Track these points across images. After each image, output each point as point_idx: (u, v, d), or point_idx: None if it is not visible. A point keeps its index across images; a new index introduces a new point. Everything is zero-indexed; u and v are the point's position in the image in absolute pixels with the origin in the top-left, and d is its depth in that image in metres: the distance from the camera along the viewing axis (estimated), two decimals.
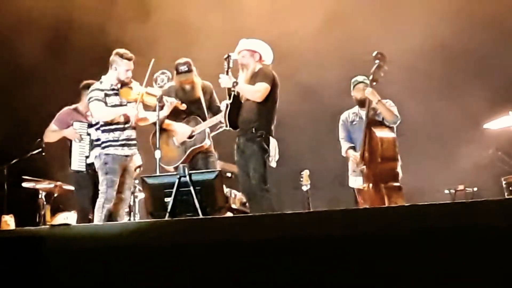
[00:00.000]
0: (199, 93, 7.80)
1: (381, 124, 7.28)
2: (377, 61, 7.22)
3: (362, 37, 9.53)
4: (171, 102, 7.41)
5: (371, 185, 7.16)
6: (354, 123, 7.64)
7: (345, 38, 9.59)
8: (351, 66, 8.89)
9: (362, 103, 7.46)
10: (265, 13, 9.67)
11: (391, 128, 7.31)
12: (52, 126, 8.30)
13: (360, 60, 8.51)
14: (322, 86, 9.72)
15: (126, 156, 7.30)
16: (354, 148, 7.59)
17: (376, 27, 9.51)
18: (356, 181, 7.49)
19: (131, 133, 7.35)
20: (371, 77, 7.25)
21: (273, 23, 9.45)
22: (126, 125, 7.33)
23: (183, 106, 7.56)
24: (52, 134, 8.34)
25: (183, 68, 7.72)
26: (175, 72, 7.72)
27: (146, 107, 7.49)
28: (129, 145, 7.31)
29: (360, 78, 7.59)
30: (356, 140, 7.54)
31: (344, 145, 7.71)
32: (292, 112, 9.45)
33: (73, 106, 8.31)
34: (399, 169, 7.27)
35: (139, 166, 8.37)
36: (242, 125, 7.19)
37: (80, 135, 8.08)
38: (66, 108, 8.31)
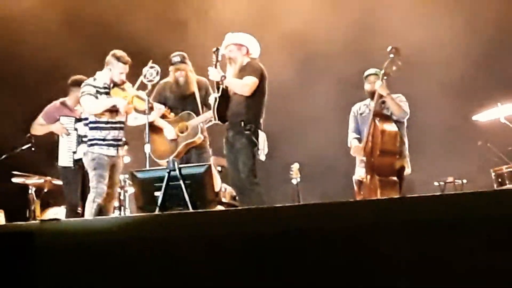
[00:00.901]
0: (193, 88, 7.80)
1: (387, 117, 7.28)
2: (391, 55, 7.20)
3: (367, 29, 9.57)
4: (159, 109, 7.42)
5: (368, 176, 7.18)
6: (363, 114, 7.62)
7: (355, 29, 9.62)
8: (353, 59, 8.93)
9: (373, 95, 7.44)
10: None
11: (401, 123, 7.32)
12: (40, 119, 8.32)
13: (366, 53, 8.55)
14: (317, 78, 9.73)
15: (113, 156, 7.31)
16: (359, 139, 7.58)
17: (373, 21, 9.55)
18: (358, 172, 7.49)
19: (118, 133, 7.37)
20: (383, 71, 7.24)
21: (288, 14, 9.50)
22: (114, 125, 7.34)
23: (172, 115, 7.58)
24: (39, 127, 8.37)
25: (176, 58, 7.76)
26: (169, 66, 7.74)
27: (135, 111, 7.50)
28: (114, 146, 7.32)
29: (372, 70, 7.58)
30: (363, 132, 7.54)
31: (350, 135, 7.71)
32: (282, 104, 9.46)
33: (61, 100, 8.30)
34: (406, 164, 7.29)
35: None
36: (230, 118, 7.20)
37: (67, 130, 8.08)
38: (54, 103, 8.32)
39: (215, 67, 7.18)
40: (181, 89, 7.78)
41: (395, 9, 9.57)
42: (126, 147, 7.86)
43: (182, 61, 7.76)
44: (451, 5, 9.47)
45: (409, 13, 9.54)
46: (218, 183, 8.38)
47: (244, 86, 7.15)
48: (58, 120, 8.16)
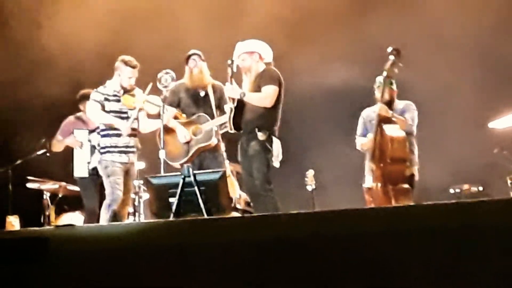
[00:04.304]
0: (207, 82, 7.77)
1: (394, 123, 7.18)
2: (391, 57, 7.10)
3: (372, 33, 9.53)
4: (171, 111, 7.44)
5: (379, 184, 7.10)
6: (372, 121, 7.54)
7: (354, 33, 9.59)
8: (361, 63, 8.88)
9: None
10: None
11: (409, 132, 7.26)
12: (57, 136, 8.50)
13: (369, 57, 8.51)
14: (329, 84, 9.70)
15: (125, 163, 7.33)
16: None
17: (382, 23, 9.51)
18: (368, 180, 7.42)
19: (129, 140, 7.39)
20: (385, 74, 7.13)
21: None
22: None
23: (183, 117, 7.60)
24: (57, 144, 8.57)
25: (194, 55, 7.74)
26: (185, 62, 7.76)
27: (146, 115, 7.53)
28: (126, 152, 7.35)
29: (381, 79, 7.53)
30: None
31: (358, 140, 7.63)
32: (297, 111, 9.45)
33: (77, 114, 8.42)
34: (416, 172, 7.24)
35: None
36: (245, 125, 7.19)
37: (81, 142, 8.13)
38: (69, 118, 8.48)
39: (230, 80, 7.17)
40: (195, 83, 7.77)
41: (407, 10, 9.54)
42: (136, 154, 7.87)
43: (199, 56, 7.76)
44: (466, 6, 9.41)
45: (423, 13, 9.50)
46: (236, 190, 8.38)
47: (264, 99, 7.13)
48: (73, 133, 8.25)
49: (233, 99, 7.20)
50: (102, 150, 7.35)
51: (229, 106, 7.23)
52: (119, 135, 7.35)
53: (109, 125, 7.37)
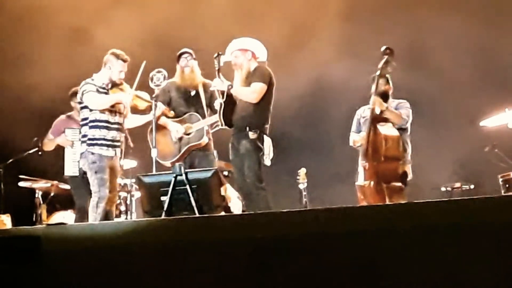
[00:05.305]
0: (198, 82, 7.76)
1: (387, 121, 7.17)
2: (385, 57, 7.11)
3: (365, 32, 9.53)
4: (158, 108, 7.42)
5: (372, 183, 7.10)
6: (365, 118, 7.51)
7: (347, 33, 9.59)
8: (354, 62, 8.88)
9: (378, 95, 7.28)
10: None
11: (403, 129, 7.24)
12: (49, 135, 8.49)
13: (363, 56, 8.51)
14: (321, 82, 9.70)
15: (111, 156, 7.28)
16: None
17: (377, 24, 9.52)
18: (360, 178, 7.41)
19: (116, 134, 7.32)
20: (378, 73, 7.14)
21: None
22: (113, 125, 7.30)
23: (172, 114, 7.59)
24: (48, 143, 8.57)
25: (185, 54, 7.72)
26: (177, 61, 7.74)
27: (135, 110, 7.50)
28: (113, 146, 7.29)
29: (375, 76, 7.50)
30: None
31: (352, 136, 7.62)
32: (289, 109, 9.44)
33: (68, 113, 8.40)
34: (408, 170, 7.24)
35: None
36: (236, 123, 7.19)
37: (72, 141, 8.12)
38: (60, 117, 8.47)
39: (218, 73, 7.18)
40: (186, 82, 7.75)
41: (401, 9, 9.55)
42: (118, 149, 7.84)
43: (190, 55, 7.75)
44: (460, 7, 9.42)
45: (416, 15, 9.51)
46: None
47: (251, 94, 7.14)
48: (64, 132, 8.24)
49: (222, 94, 7.20)
50: (89, 142, 7.22)
51: (219, 101, 7.22)
52: (108, 128, 7.26)
53: (101, 113, 7.26)
